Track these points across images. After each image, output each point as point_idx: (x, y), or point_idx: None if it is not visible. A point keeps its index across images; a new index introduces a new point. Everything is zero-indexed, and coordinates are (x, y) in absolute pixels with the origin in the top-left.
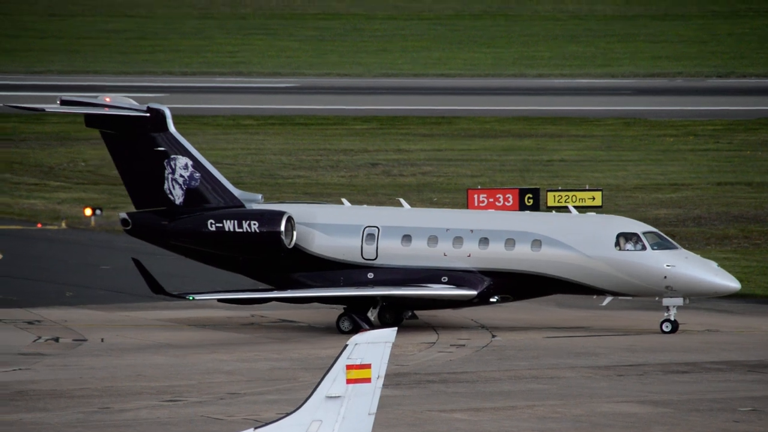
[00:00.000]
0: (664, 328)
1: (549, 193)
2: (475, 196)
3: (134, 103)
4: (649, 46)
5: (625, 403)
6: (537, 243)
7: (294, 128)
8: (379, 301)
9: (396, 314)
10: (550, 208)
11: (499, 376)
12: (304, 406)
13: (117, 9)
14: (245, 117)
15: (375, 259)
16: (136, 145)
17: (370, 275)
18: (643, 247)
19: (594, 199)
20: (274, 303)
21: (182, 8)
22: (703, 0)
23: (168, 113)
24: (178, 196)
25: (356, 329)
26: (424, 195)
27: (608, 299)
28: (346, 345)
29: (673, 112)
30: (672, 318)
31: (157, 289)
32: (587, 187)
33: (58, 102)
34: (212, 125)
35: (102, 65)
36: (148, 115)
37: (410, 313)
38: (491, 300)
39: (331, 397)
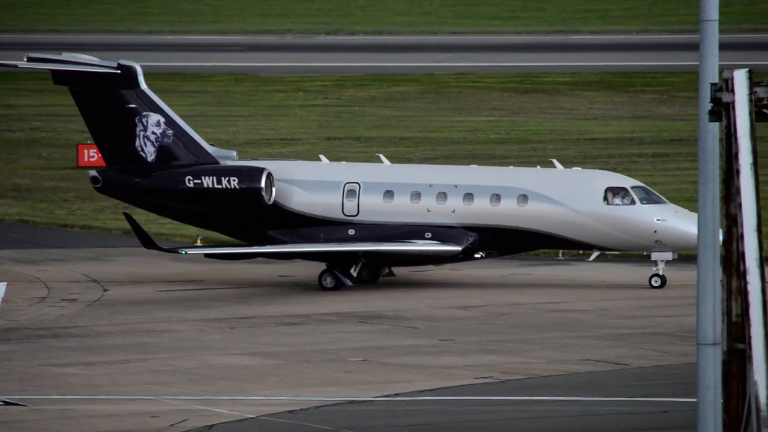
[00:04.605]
0: (653, 283)
1: None
2: (86, 151)
3: (100, 61)
4: (258, 3)
5: (237, 355)
6: (523, 198)
7: None
8: (361, 257)
9: (373, 271)
10: None
11: (112, 330)
12: None
13: None
14: None
15: (356, 215)
16: (107, 102)
17: (351, 231)
18: (632, 202)
19: None
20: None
21: None
22: None
23: (139, 70)
24: (150, 153)
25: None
26: (33, 150)
27: (595, 254)
28: None
29: (283, 68)
30: (660, 273)
31: (148, 244)
32: None
33: (25, 59)
34: None
35: None
36: (118, 72)
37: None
38: (476, 256)
39: None
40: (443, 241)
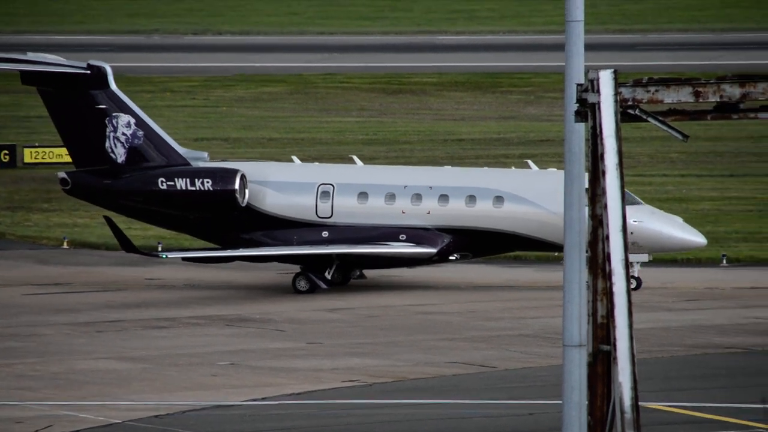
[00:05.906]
0: None
1: (26, 150)
2: None
3: (69, 61)
4: (125, 3)
5: (104, 359)
6: (499, 199)
7: None
8: (335, 259)
9: (344, 274)
10: (27, 165)
11: None
12: None
13: None
14: None
15: (330, 217)
16: (76, 102)
17: (325, 233)
18: None
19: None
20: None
21: None
22: None
23: (109, 70)
24: (120, 154)
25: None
26: None
27: None
28: None
29: (150, 68)
30: (636, 274)
31: (128, 248)
32: None
33: None
34: None
35: None
36: (88, 72)
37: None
38: (450, 258)
39: None
40: (418, 243)
